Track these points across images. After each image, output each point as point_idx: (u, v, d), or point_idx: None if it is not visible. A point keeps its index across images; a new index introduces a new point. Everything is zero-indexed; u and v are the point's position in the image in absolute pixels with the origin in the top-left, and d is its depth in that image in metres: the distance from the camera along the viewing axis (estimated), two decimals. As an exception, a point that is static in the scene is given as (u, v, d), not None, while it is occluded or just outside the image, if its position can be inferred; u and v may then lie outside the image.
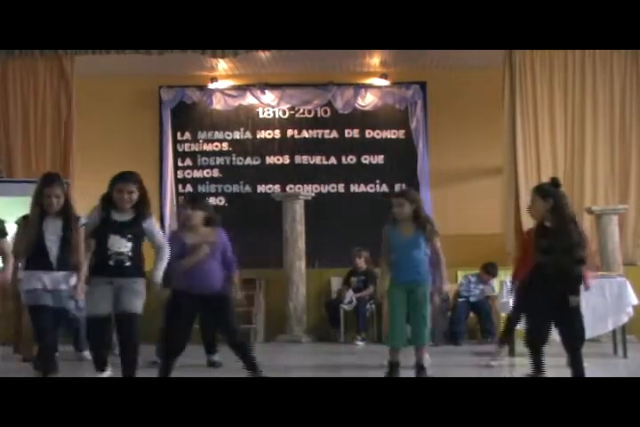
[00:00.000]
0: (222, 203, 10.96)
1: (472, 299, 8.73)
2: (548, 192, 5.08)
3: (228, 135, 11.43)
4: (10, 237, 4.89)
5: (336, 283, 9.55)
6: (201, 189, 11.27)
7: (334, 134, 11.37)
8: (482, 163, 10.71)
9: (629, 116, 9.54)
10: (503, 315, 7.74)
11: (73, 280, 4.59)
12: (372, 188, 11.21)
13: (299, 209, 9.51)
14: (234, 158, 11.38)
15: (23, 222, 4.66)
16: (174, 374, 5.13)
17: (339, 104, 11.23)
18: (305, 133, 11.40)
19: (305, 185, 11.18)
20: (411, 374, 5.64)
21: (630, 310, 7.10)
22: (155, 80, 11.03)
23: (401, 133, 11.31)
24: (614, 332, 7.23)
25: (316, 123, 11.40)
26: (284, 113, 11.43)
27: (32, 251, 4.57)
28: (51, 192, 4.60)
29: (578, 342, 5.08)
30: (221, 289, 5.31)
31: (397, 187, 11.06)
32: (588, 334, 7.02)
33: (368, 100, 11.27)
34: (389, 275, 5.64)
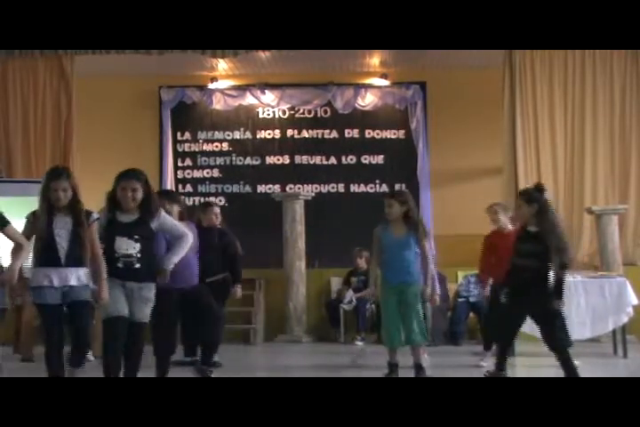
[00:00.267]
0: (222, 203, 10.95)
1: (472, 299, 8.73)
2: (533, 197, 5.20)
3: (228, 135, 11.42)
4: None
5: (336, 283, 9.55)
6: (201, 189, 11.27)
7: (334, 134, 11.36)
8: (482, 163, 10.70)
9: (629, 116, 9.54)
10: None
11: (82, 275, 4.43)
12: (372, 188, 11.20)
13: (299, 209, 9.52)
14: (234, 158, 11.37)
15: (32, 218, 4.53)
16: (174, 374, 5.13)
17: (339, 104, 11.23)
18: (305, 133, 11.39)
19: (305, 185, 11.17)
20: (410, 373, 5.64)
21: (630, 310, 7.10)
22: (155, 80, 11.02)
23: (401, 133, 11.30)
24: (614, 332, 7.23)
25: (315, 123, 11.40)
26: (284, 113, 11.43)
27: (41, 247, 4.44)
28: (57, 186, 4.45)
29: (560, 344, 5.09)
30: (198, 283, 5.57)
31: (397, 187, 11.06)
32: (589, 333, 7.06)
33: (368, 100, 11.27)
34: (380, 275, 5.69)
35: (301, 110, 11.40)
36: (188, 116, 11.40)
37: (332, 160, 11.31)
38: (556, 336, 5.10)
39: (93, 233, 4.51)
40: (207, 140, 11.41)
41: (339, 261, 9.67)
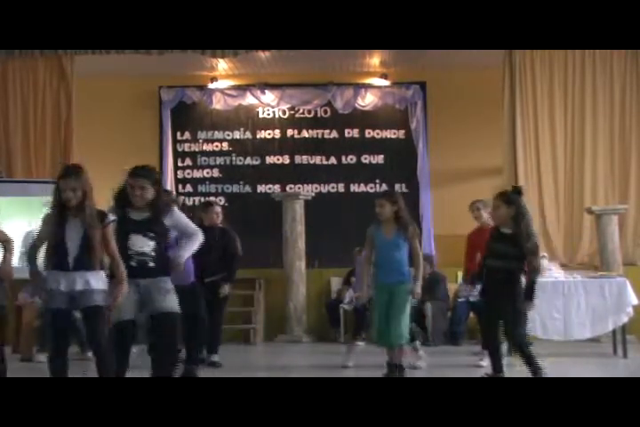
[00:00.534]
0: (222, 203, 10.94)
1: (472, 299, 8.71)
2: (512, 200, 5.24)
3: (228, 135, 11.42)
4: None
5: (336, 283, 9.55)
6: (201, 189, 11.27)
7: (334, 134, 11.36)
8: (482, 163, 10.70)
9: (629, 116, 9.54)
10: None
11: (92, 279, 4.26)
12: (372, 188, 11.20)
13: (299, 209, 9.52)
14: (234, 158, 11.37)
15: (47, 219, 4.37)
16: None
17: (339, 104, 11.23)
18: (305, 133, 11.39)
19: (305, 185, 11.17)
20: (410, 374, 5.64)
21: (630, 310, 7.10)
22: (155, 80, 11.02)
23: (401, 133, 11.30)
24: (614, 332, 7.23)
25: (315, 123, 11.40)
26: (284, 113, 11.43)
27: (51, 250, 4.29)
28: (65, 185, 4.27)
29: (522, 340, 5.16)
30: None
31: (397, 187, 11.06)
32: (589, 333, 7.07)
33: (368, 100, 11.27)
34: (373, 275, 5.71)
35: (301, 110, 11.40)
36: (188, 116, 11.40)
37: (332, 160, 11.31)
38: (519, 333, 5.17)
39: (109, 235, 4.34)
40: (207, 140, 11.41)
41: (339, 261, 9.66)
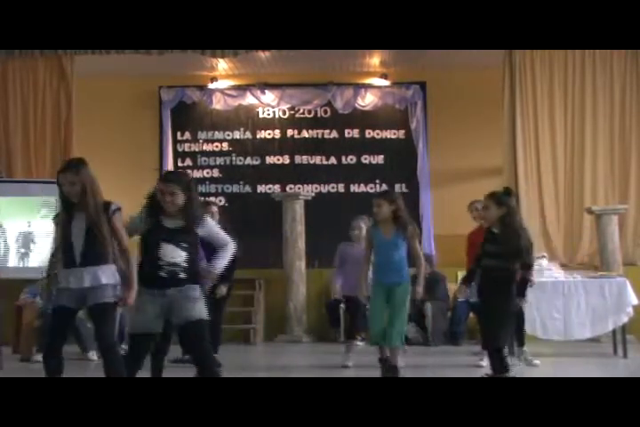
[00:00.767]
0: (222, 203, 10.94)
1: (472, 299, 8.71)
2: (503, 201, 5.27)
3: (228, 135, 11.43)
4: None
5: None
6: (201, 189, 11.25)
7: (334, 134, 11.37)
8: (482, 163, 10.70)
9: (629, 116, 9.54)
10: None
11: (101, 274, 4.17)
12: (372, 188, 11.20)
13: (299, 209, 9.52)
14: (234, 158, 11.38)
15: (56, 220, 4.30)
16: (173, 373, 5.13)
17: (339, 104, 11.23)
18: (305, 133, 11.40)
19: (305, 185, 11.18)
20: (410, 374, 5.64)
21: (630, 310, 7.10)
22: (155, 80, 11.02)
23: (401, 133, 11.30)
24: (614, 332, 7.23)
25: (315, 123, 11.40)
26: (284, 113, 11.43)
27: (62, 248, 4.22)
28: (64, 179, 4.19)
29: (496, 344, 5.18)
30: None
31: (397, 187, 11.06)
32: (589, 333, 7.06)
33: (368, 100, 11.27)
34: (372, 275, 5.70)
35: (301, 110, 11.40)
36: (188, 116, 11.40)
37: (332, 160, 11.31)
38: (503, 333, 5.19)
39: (116, 224, 4.24)
40: (207, 140, 11.41)
41: (339, 261, 9.65)
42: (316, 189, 11.14)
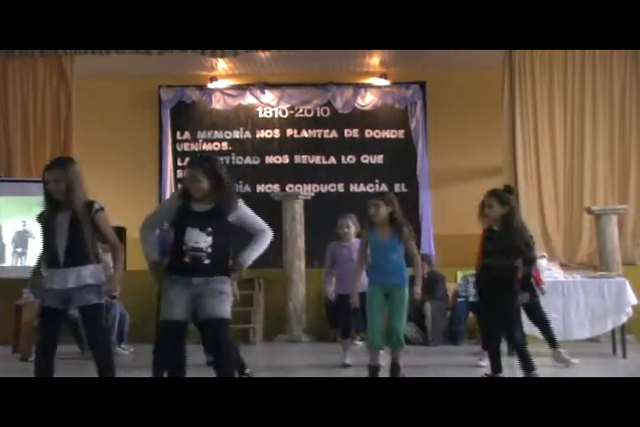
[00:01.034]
0: (222, 202, 10.93)
1: (471, 299, 8.72)
2: (506, 199, 5.27)
3: (228, 135, 11.44)
4: None
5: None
6: (201, 188, 11.27)
7: (334, 134, 11.38)
8: (481, 163, 10.71)
9: (629, 117, 9.55)
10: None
11: (85, 274, 4.14)
12: (371, 187, 11.21)
13: (298, 209, 9.51)
14: (233, 158, 11.39)
15: (39, 219, 4.27)
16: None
17: (338, 104, 11.24)
18: (304, 133, 11.41)
19: (304, 185, 11.19)
20: (409, 374, 5.64)
21: (629, 309, 7.10)
22: (154, 80, 11.03)
23: (400, 133, 11.32)
24: (613, 332, 7.23)
25: (315, 122, 11.41)
26: (284, 113, 11.44)
27: (45, 247, 4.21)
28: (49, 177, 4.15)
29: (521, 338, 5.21)
30: None
31: (397, 187, 11.07)
32: (588, 333, 7.06)
33: (368, 100, 11.28)
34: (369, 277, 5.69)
35: (301, 110, 11.41)
36: (188, 116, 11.41)
37: (332, 160, 11.32)
38: (519, 331, 5.23)
39: (100, 223, 4.21)
40: (207, 140, 11.42)
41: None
42: (316, 188, 11.15)
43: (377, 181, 11.24)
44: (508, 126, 9.49)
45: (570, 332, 7.05)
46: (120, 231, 7.39)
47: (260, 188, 11.30)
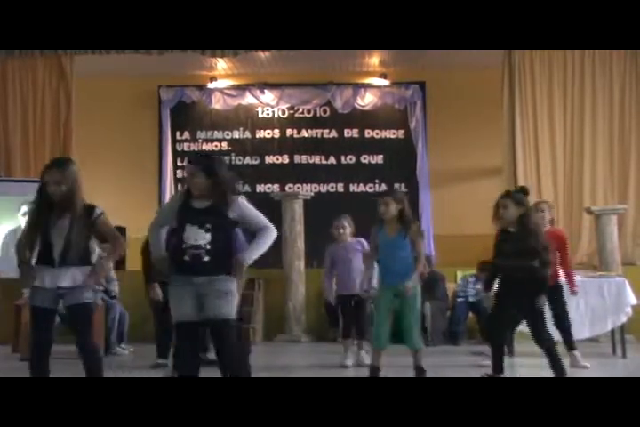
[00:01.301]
0: (221, 202, 10.94)
1: (471, 299, 8.73)
2: (522, 200, 5.26)
3: (228, 135, 11.44)
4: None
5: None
6: (200, 188, 11.28)
7: (334, 134, 11.38)
8: (481, 163, 10.72)
9: (629, 117, 9.55)
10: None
11: (79, 275, 4.14)
12: (371, 187, 11.22)
13: (298, 209, 9.51)
14: (233, 158, 11.39)
15: (30, 213, 4.26)
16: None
17: (338, 104, 11.24)
18: (304, 133, 11.41)
19: (304, 185, 11.19)
20: (409, 374, 5.64)
21: (629, 309, 7.10)
22: (154, 80, 11.03)
23: (400, 133, 11.32)
24: (613, 332, 7.23)
25: (315, 122, 11.41)
26: (284, 113, 11.44)
27: (39, 245, 4.18)
28: (49, 178, 4.13)
29: (549, 340, 5.18)
30: None
31: (397, 187, 11.07)
32: (588, 333, 7.06)
33: (367, 100, 11.28)
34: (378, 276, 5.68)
35: (301, 110, 11.42)
36: (188, 116, 11.41)
37: (332, 160, 11.33)
38: (546, 333, 5.21)
39: (101, 227, 4.23)
40: (206, 140, 11.42)
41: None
42: (316, 188, 11.15)
43: (377, 181, 11.24)
44: (508, 126, 9.49)
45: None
46: (120, 231, 7.38)
47: (260, 188, 11.30)
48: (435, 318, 8.50)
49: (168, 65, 10.14)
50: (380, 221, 5.58)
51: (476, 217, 10.31)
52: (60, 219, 4.16)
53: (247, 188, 11.29)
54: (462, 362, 6.95)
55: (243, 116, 11.45)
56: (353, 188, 11.28)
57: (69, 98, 9.65)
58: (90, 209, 4.23)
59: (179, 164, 11.35)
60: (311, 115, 11.44)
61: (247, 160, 11.41)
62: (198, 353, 4.23)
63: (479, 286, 8.76)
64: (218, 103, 11.32)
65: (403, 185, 11.12)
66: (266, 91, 11.27)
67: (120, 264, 8.83)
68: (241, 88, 11.31)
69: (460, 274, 9.23)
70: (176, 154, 11.37)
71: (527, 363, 6.67)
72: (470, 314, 8.80)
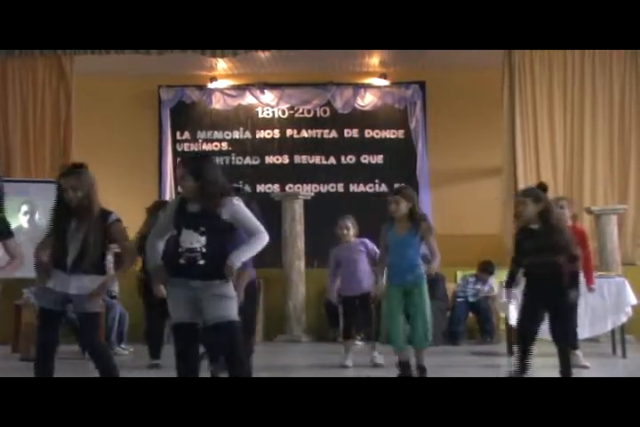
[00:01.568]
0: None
1: (471, 299, 8.74)
2: (540, 196, 5.24)
3: (228, 135, 11.43)
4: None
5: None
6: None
7: (334, 134, 11.37)
8: (481, 163, 10.71)
9: (629, 117, 9.54)
10: (502, 315, 7.75)
11: (88, 283, 4.15)
12: (371, 187, 11.21)
13: (298, 209, 9.52)
14: (233, 158, 11.38)
15: (51, 217, 4.27)
16: (170, 374, 5.12)
17: (338, 104, 11.24)
18: (304, 133, 11.40)
19: (304, 185, 11.18)
20: (375, 373, 5.64)
21: (629, 309, 7.10)
22: (154, 80, 11.02)
23: (400, 133, 11.31)
24: (613, 332, 7.24)
25: (315, 122, 11.41)
26: (284, 113, 11.44)
27: (54, 248, 4.20)
28: (66, 183, 4.16)
29: (569, 339, 5.17)
30: None
31: (396, 187, 11.06)
32: (588, 333, 7.06)
33: (367, 100, 11.28)
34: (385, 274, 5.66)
35: (301, 110, 11.41)
36: (188, 116, 11.41)
37: (332, 160, 11.32)
38: (568, 331, 5.18)
39: (116, 234, 4.25)
40: (206, 140, 11.41)
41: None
42: (316, 188, 11.14)
43: (377, 181, 11.23)
44: (508, 126, 9.49)
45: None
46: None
47: (260, 188, 11.29)
48: (435, 318, 8.49)
49: (168, 65, 10.13)
50: (390, 219, 5.56)
51: (476, 217, 10.35)
52: (76, 224, 4.18)
53: (247, 188, 11.28)
54: (462, 362, 6.96)
55: (243, 116, 11.44)
56: (353, 188, 11.28)
57: (69, 98, 9.64)
58: (105, 215, 4.25)
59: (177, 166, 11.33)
60: (311, 115, 11.43)
61: (247, 160, 11.40)
62: (197, 354, 4.22)
63: (479, 286, 8.78)
64: (218, 103, 11.32)
65: (403, 185, 11.11)
66: (266, 91, 11.26)
67: (120, 264, 8.82)
68: (241, 88, 11.31)
69: (460, 274, 9.23)
70: (176, 154, 11.35)
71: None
72: (470, 314, 8.81)
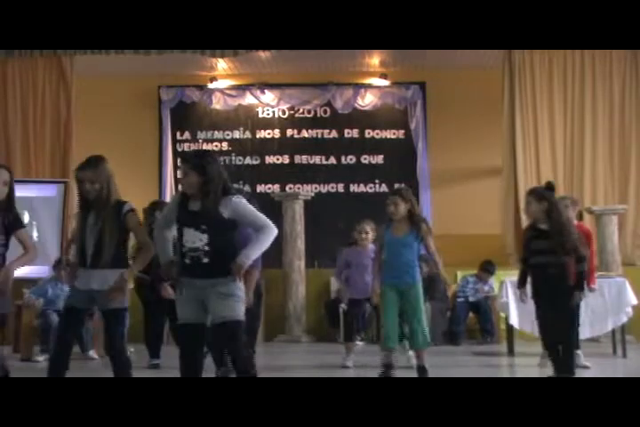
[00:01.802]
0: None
1: (471, 299, 8.74)
2: (543, 195, 5.25)
3: (228, 135, 11.43)
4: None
5: (335, 283, 9.54)
6: (200, 188, 11.26)
7: (334, 134, 11.37)
8: (481, 163, 10.71)
9: (629, 117, 9.54)
10: (502, 315, 7.75)
11: (110, 277, 4.08)
12: (371, 188, 11.20)
13: (298, 209, 9.52)
14: (233, 158, 11.38)
15: (75, 215, 4.29)
16: (170, 374, 5.12)
17: (338, 104, 11.23)
18: (304, 133, 11.40)
19: (304, 185, 11.17)
20: (409, 374, 5.64)
21: (629, 310, 7.11)
22: (154, 80, 11.02)
23: (400, 133, 11.30)
24: (613, 332, 7.24)
25: (315, 123, 11.40)
26: (284, 113, 11.43)
27: (77, 246, 4.17)
28: (82, 176, 4.12)
29: (572, 339, 5.17)
30: None
31: (397, 187, 11.06)
32: (588, 333, 7.07)
33: (368, 100, 11.27)
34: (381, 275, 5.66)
35: (301, 110, 11.40)
36: (188, 116, 11.41)
37: (332, 160, 11.32)
38: (572, 331, 5.18)
39: (131, 225, 4.17)
40: (207, 140, 11.41)
41: (338, 260, 9.66)
42: (316, 188, 11.14)
43: (377, 181, 11.23)
44: (508, 126, 9.49)
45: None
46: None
47: (260, 188, 11.29)
48: (435, 319, 8.50)
49: (168, 65, 10.14)
50: (388, 220, 5.56)
51: (476, 217, 10.35)
52: (94, 218, 4.14)
53: (247, 188, 11.27)
54: (463, 362, 6.96)
55: (243, 116, 11.44)
56: (353, 188, 11.27)
57: (69, 98, 9.64)
58: (120, 205, 4.20)
59: (179, 164, 11.33)
60: (311, 115, 11.42)
61: (247, 160, 11.39)
62: (202, 354, 4.20)
63: (479, 286, 8.78)
64: (218, 103, 11.31)
65: (402, 185, 11.09)
66: (266, 91, 11.26)
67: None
68: (241, 88, 11.30)
69: (460, 274, 9.23)
70: (176, 154, 11.35)
71: (527, 363, 6.67)
72: (471, 314, 8.81)
